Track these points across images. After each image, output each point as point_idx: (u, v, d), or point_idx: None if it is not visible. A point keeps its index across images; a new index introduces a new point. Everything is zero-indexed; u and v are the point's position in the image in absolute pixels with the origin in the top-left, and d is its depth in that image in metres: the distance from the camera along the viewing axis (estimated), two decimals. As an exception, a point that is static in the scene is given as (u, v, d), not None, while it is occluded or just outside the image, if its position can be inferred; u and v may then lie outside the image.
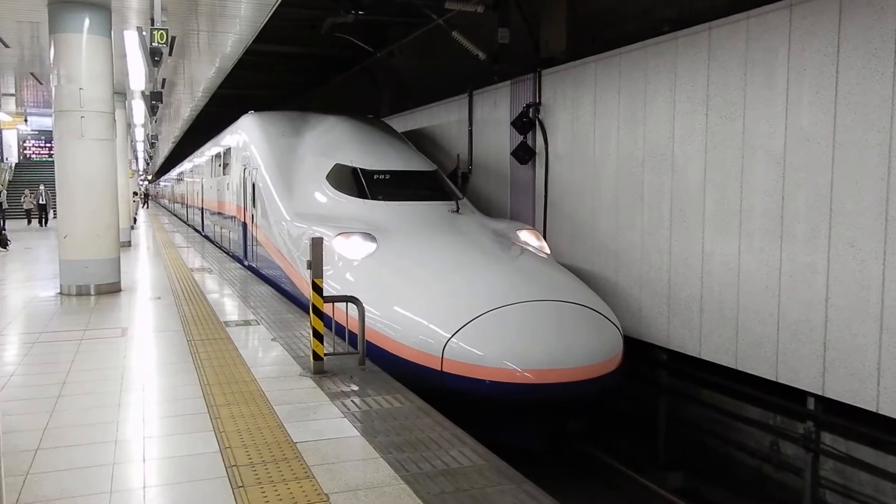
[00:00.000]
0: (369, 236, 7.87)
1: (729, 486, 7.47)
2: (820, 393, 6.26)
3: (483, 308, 6.35)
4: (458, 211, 9.22)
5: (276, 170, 10.48)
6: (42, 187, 26.55)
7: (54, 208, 24.88)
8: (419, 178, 9.86)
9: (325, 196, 9.55)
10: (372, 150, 10.22)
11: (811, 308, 6.30)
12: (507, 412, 6.20)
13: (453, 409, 5.10)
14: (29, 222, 26.60)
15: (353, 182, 9.46)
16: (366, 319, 6.03)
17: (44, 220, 26.36)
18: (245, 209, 12.25)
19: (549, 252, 8.86)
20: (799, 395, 6.57)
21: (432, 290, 6.86)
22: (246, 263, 12.60)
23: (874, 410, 5.80)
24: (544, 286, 6.96)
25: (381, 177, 9.54)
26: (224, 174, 15.13)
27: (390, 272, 7.35)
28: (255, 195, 11.17)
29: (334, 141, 10.62)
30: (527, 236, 8.81)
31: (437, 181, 10.00)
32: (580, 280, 7.78)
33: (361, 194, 9.26)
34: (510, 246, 8.29)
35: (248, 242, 12.24)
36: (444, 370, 6.09)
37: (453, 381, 6.05)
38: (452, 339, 6.14)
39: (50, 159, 36.33)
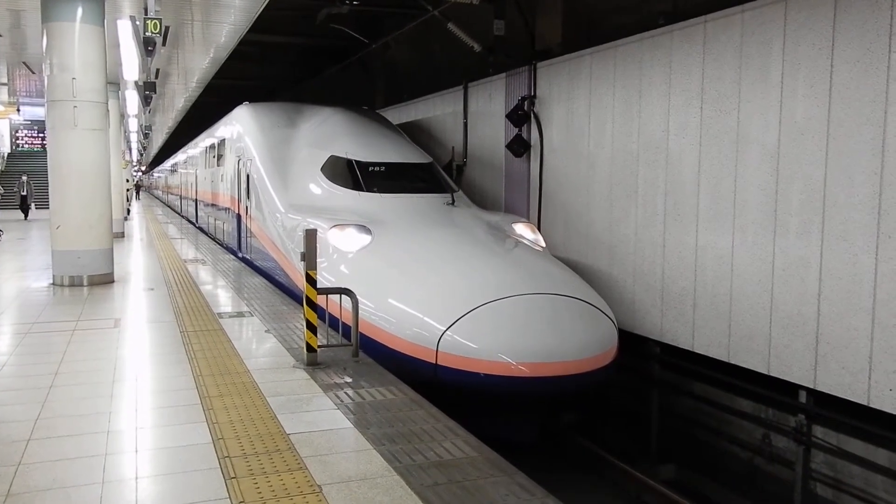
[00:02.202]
0: (364, 228, 7.83)
1: (720, 478, 7.51)
2: (812, 386, 6.29)
3: (478, 301, 6.34)
4: (453, 203, 9.17)
5: (270, 161, 10.42)
6: (24, 178, 24.84)
7: (35, 200, 24.34)
8: (415, 171, 9.81)
9: (320, 188, 9.50)
10: (367, 142, 10.16)
11: (804, 302, 6.32)
12: (500, 405, 6.21)
13: (447, 401, 5.10)
14: None
15: (348, 174, 9.40)
16: (362, 313, 6.02)
17: (26, 212, 24.46)
18: (239, 201, 12.21)
19: (544, 245, 8.84)
20: (791, 389, 6.60)
21: (427, 282, 6.84)
22: (240, 255, 12.56)
23: (865, 404, 5.84)
24: (539, 279, 6.94)
25: (377, 169, 9.48)
26: (218, 165, 15.07)
27: (385, 265, 7.33)
28: (250, 186, 11.13)
29: (329, 132, 10.56)
30: (522, 229, 8.78)
31: (432, 173, 9.95)
32: (575, 273, 7.76)
33: (356, 186, 9.21)
34: (505, 239, 8.27)
35: (242, 234, 12.20)
36: (438, 363, 6.09)
37: (448, 374, 6.04)
38: (447, 331, 6.13)
39: (43, 149, 36.15)
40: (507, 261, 7.40)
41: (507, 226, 8.75)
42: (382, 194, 9.04)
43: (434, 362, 6.11)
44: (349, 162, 9.52)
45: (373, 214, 8.46)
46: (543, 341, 6.13)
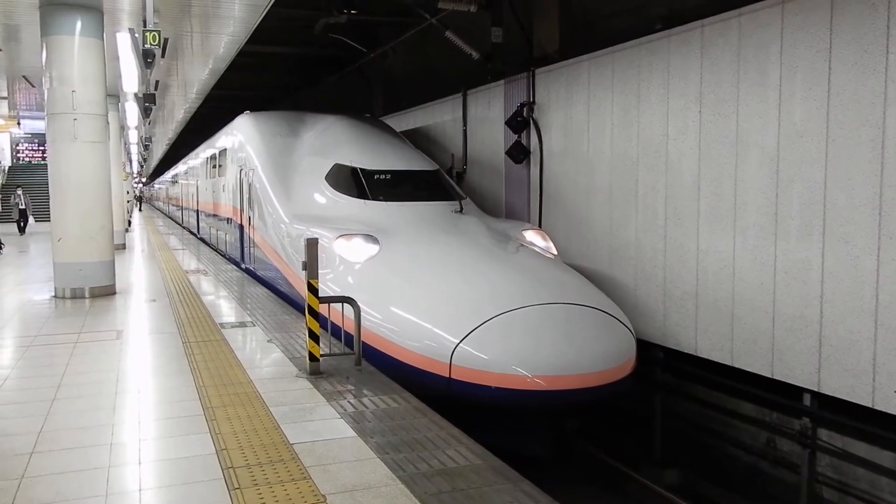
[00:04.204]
0: (371, 238, 7.67)
1: (725, 482, 7.49)
2: (816, 389, 6.28)
3: (492, 312, 6.15)
4: (461, 211, 8.99)
5: (273, 170, 10.32)
6: (20, 191, 23.67)
7: (34, 214, 23.81)
8: (421, 178, 9.62)
9: (324, 197, 9.36)
10: (372, 150, 10.00)
11: (806, 304, 6.31)
12: (514, 419, 6.06)
13: (458, 413, 5.01)
14: None
15: (353, 182, 9.25)
16: (370, 325, 5.93)
17: (23, 225, 23.01)
18: (241, 211, 12.15)
19: (556, 253, 8.66)
20: (795, 392, 6.58)
21: (438, 293, 6.64)
22: (243, 266, 12.49)
23: (870, 406, 5.82)
24: (554, 288, 6.75)
25: (382, 177, 9.31)
26: (219, 175, 15.04)
27: (394, 275, 7.16)
28: (252, 197, 11.07)
29: (332, 140, 10.44)
30: (533, 236, 8.60)
31: (439, 181, 9.76)
32: (589, 282, 7.59)
33: (362, 195, 9.04)
34: (517, 247, 8.09)
35: (245, 245, 12.13)
36: (451, 376, 5.91)
37: (461, 388, 5.87)
38: (461, 344, 5.94)
39: (43, 162, 36.19)
40: (520, 270, 7.19)
41: (517, 233, 8.58)
42: (388, 202, 8.87)
43: (447, 376, 5.93)
44: (354, 170, 9.37)
45: (379, 223, 8.30)
46: (560, 353, 5.94)
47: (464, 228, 8.43)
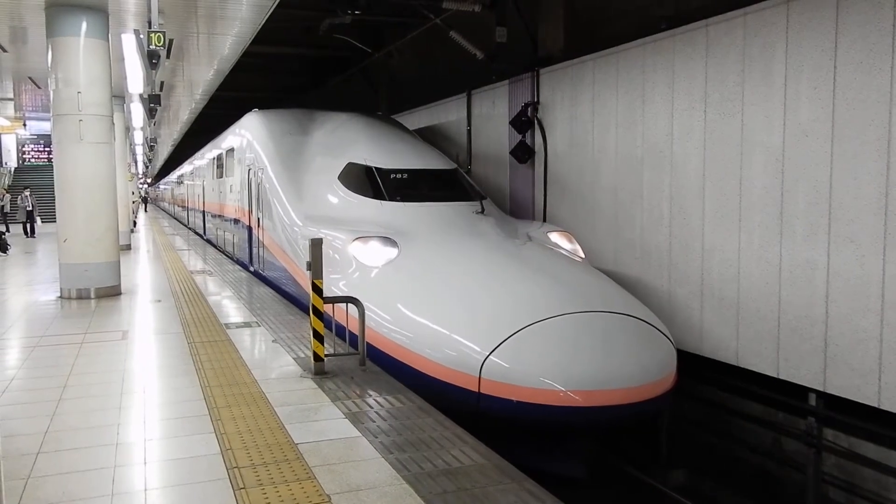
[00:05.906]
0: (389, 241, 7.31)
1: (730, 482, 7.46)
2: (821, 389, 6.26)
3: (523, 321, 5.72)
4: (482, 212, 8.49)
5: (283, 170, 10.03)
6: (27, 192, 23.04)
7: (41, 215, 23.65)
8: (439, 177, 9.14)
9: (338, 197, 8.98)
10: (386, 148, 9.60)
11: (811, 304, 6.30)
12: (545, 437, 5.73)
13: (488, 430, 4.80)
14: None
15: (368, 182, 8.81)
16: (388, 332, 5.78)
17: (30, 228, 22.23)
18: (250, 212, 11.92)
19: (583, 256, 8.31)
20: (800, 392, 6.56)
21: (464, 300, 6.22)
22: (252, 269, 12.25)
23: (876, 406, 5.80)
24: (588, 295, 6.30)
25: (398, 176, 8.84)
26: (227, 176, 14.92)
27: (415, 280, 6.77)
28: (261, 197, 10.81)
29: (345, 139, 10.09)
30: (558, 238, 8.26)
31: (458, 180, 9.28)
32: (622, 288, 7.21)
33: (377, 195, 8.60)
34: (544, 250, 7.73)
35: (254, 247, 11.89)
36: (481, 391, 5.49)
37: (491, 404, 5.46)
38: (491, 356, 5.51)
39: (49, 164, 36.25)
40: (550, 275, 6.72)
41: (542, 235, 8.27)
42: (406, 203, 8.41)
43: (477, 391, 5.51)
44: (368, 169, 8.95)
45: (397, 225, 7.94)
46: (599, 366, 5.50)
47: (486, 230, 8.08)
